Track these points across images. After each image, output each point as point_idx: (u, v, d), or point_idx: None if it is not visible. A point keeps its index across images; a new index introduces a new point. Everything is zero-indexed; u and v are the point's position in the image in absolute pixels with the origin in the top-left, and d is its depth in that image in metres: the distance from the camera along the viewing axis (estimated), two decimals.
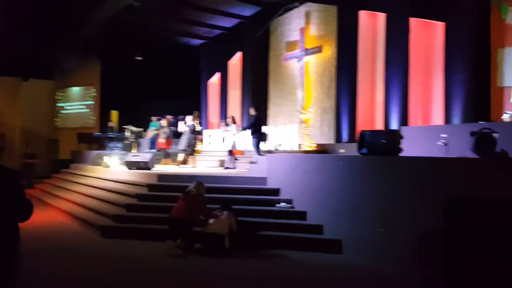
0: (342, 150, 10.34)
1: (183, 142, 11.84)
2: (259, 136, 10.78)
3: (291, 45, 14.17)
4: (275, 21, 14.63)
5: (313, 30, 13.34)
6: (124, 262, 5.97)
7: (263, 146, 11.72)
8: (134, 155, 11.23)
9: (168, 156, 13.22)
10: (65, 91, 19.44)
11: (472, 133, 5.52)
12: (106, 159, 12.03)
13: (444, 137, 7.07)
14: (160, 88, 18.82)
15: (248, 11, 14.75)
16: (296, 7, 13.73)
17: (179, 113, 18.34)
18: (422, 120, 10.10)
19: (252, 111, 10.96)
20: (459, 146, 6.41)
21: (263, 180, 8.53)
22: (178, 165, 12.03)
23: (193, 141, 11.99)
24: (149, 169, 10.40)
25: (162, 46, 17.71)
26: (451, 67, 9.37)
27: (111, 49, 17.07)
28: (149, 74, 18.35)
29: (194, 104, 17.57)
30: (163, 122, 13.33)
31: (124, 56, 17.71)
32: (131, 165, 10.70)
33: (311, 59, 13.33)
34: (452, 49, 9.38)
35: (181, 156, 12.09)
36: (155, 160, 11.51)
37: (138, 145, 15.15)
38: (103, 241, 7.19)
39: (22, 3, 12.91)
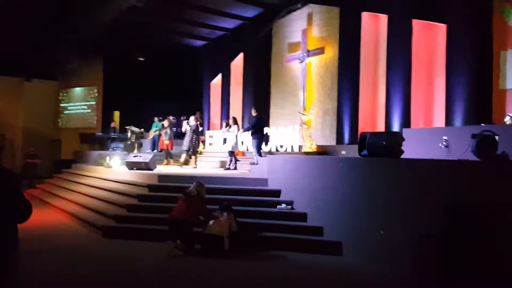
0: (343, 152, 10.33)
1: (186, 143, 11.86)
2: (260, 137, 10.77)
3: (293, 47, 14.18)
4: (277, 23, 14.65)
5: (315, 32, 13.34)
6: (124, 263, 5.97)
7: (264, 147, 11.73)
8: (135, 156, 11.24)
9: (170, 156, 13.23)
10: (67, 92, 19.50)
11: (473, 136, 5.49)
12: (107, 159, 12.04)
13: (445, 140, 7.04)
14: (162, 89, 18.87)
15: (250, 12, 14.78)
16: (299, 8, 13.75)
17: (181, 114, 18.41)
18: (424, 122, 10.08)
19: (253, 112, 10.96)
20: (461, 149, 6.38)
21: (263, 181, 8.51)
22: (180, 165, 12.03)
23: (196, 141, 12.00)
24: (150, 169, 10.40)
25: (164, 47, 17.75)
26: (453, 69, 9.35)
27: (113, 50, 17.12)
28: (151, 75, 18.41)
29: (196, 105, 17.60)
30: (165, 123, 13.34)
31: (126, 57, 17.77)
32: (132, 165, 10.70)
33: (313, 61, 13.34)
34: (454, 51, 9.36)
35: (183, 157, 12.11)
36: (156, 161, 11.51)
37: (140, 145, 15.17)
38: (104, 241, 7.18)
39: (25, 4, 12.96)
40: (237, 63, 16.49)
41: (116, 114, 19.03)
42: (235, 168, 11.28)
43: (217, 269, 5.74)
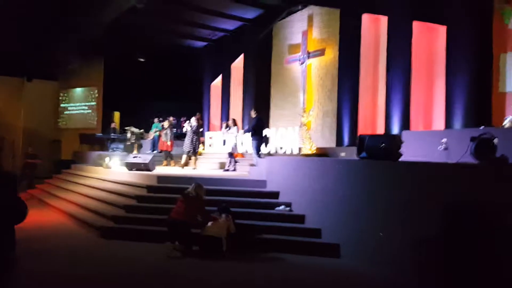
0: (342, 154, 10.32)
1: (187, 144, 11.86)
2: (260, 139, 10.77)
3: (293, 48, 14.18)
4: (278, 24, 14.66)
5: (315, 33, 13.35)
6: (121, 264, 5.96)
7: (263, 148, 11.72)
8: (135, 157, 11.24)
9: (170, 157, 13.22)
10: (68, 92, 19.51)
11: (472, 138, 5.48)
12: (107, 160, 12.05)
13: (444, 142, 7.03)
14: (163, 89, 18.89)
15: (250, 13, 14.78)
16: (299, 10, 13.76)
17: (181, 115, 18.41)
18: (424, 125, 10.07)
19: (253, 113, 10.96)
20: (460, 151, 6.36)
21: (262, 183, 8.51)
22: (182, 167, 12.04)
23: (196, 142, 12.02)
24: (149, 170, 10.39)
25: (164, 48, 17.77)
26: (452, 71, 9.35)
27: (114, 51, 17.13)
28: (152, 75, 18.42)
29: (196, 106, 17.62)
30: (165, 124, 13.34)
31: (127, 58, 17.78)
32: (131, 166, 10.70)
33: (314, 62, 13.34)
34: (454, 53, 9.36)
35: (184, 158, 12.12)
36: (156, 162, 11.50)
37: (140, 146, 15.16)
38: (102, 242, 7.17)
39: (25, 4, 12.97)
40: (238, 64, 16.49)
41: (116, 114, 19.04)
42: (234, 170, 11.28)
43: (215, 270, 5.74)
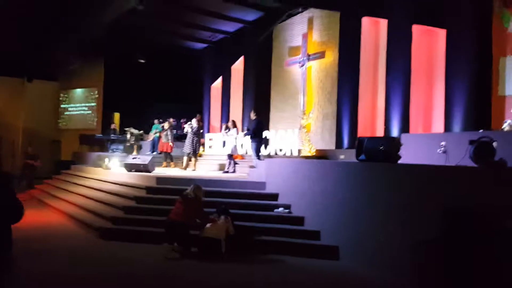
0: (342, 156, 10.33)
1: (187, 145, 11.88)
2: (259, 141, 10.78)
3: (293, 51, 14.20)
4: (278, 27, 14.69)
5: (315, 36, 13.37)
6: (119, 265, 5.95)
7: (263, 150, 11.72)
8: (134, 158, 11.24)
9: (171, 159, 13.23)
10: (68, 93, 19.53)
11: (471, 142, 5.48)
12: (106, 161, 12.05)
13: (443, 145, 7.03)
14: (163, 91, 18.91)
15: (251, 16, 14.81)
16: (299, 12, 13.78)
17: (181, 116, 18.42)
18: (423, 128, 10.07)
19: (253, 115, 10.97)
20: (459, 154, 6.37)
21: (262, 184, 8.51)
22: (184, 168, 12.05)
23: (197, 144, 12.04)
24: (148, 171, 10.39)
25: (165, 50, 17.80)
26: (452, 74, 9.36)
27: (114, 52, 17.15)
28: (152, 77, 18.44)
29: (196, 107, 17.63)
30: (166, 125, 13.34)
31: (127, 59, 17.79)
32: (130, 167, 10.70)
33: (314, 65, 13.36)
34: (453, 57, 9.37)
35: (185, 160, 12.15)
36: (155, 163, 11.50)
37: (139, 147, 15.16)
38: (100, 243, 7.17)
39: (25, 4, 12.99)
40: (238, 66, 16.52)
41: (116, 115, 19.06)
42: (234, 171, 11.28)
43: (214, 272, 5.73)
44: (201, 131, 13.40)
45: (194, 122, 11.99)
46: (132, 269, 5.73)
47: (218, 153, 13.78)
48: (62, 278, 5.28)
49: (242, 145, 12.86)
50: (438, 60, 9.91)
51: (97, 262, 6.05)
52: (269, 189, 8.33)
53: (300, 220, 7.23)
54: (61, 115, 19.57)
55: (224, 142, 13.09)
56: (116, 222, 7.69)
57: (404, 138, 8.43)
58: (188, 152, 11.93)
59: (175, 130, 14.76)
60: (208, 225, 6.47)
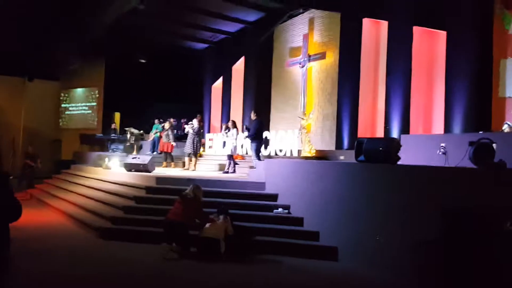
0: (341, 157, 10.32)
1: (189, 145, 11.91)
2: (259, 141, 10.78)
3: (294, 51, 14.20)
4: (279, 27, 14.69)
5: (316, 37, 13.37)
6: (118, 265, 5.95)
7: (263, 151, 11.72)
8: (134, 157, 11.24)
9: (171, 159, 13.23)
10: (69, 92, 19.54)
11: (471, 143, 5.48)
12: (106, 160, 12.06)
13: (443, 146, 7.03)
14: (163, 91, 18.92)
15: (252, 16, 14.81)
16: (300, 13, 13.77)
17: (181, 116, 18.44)
18: (423, 129, 10.08)
19: (253, 116, 10.97)
20: (459, 156, 6.37)
21: (261, 185, 8.51)
22: (188, 169, 12.06)
23: (197, 144, 12.06)
24: (148, 171, 10.40)
25: (166, 50, 17.80)
26: (452, 76, 9.37)
27: (115, 52, 17.16)
28: (153, 76, 18.44)
29: (197, 107, 17.63)
30: (166, 125, 13.34)
31: (128, 59, 17.80)
32: (130, 167, 10.70)
33: (314, 66, 13.35)
34: (454, 58, 9.38)
35: (187, 160, 12.18)
36: (155, 163, 11.51)
37: (140, 147, 15.16)
38: (100, 242, 7.17)
39: (27, 4, 13.01)
40: (239, 67, 16.52)
41: (117, 115, 19.07)
42: (234, 172, 11.28)
43: (213, 272, 5.73)
44: (201, 131, 13.42)
45: (195, 122, 12.01)
46: (131, 269, 5.73)
47: (218, 154, 13.79)
48: (61, 278, 5.28)
49: (242, 145, 12.86)
50: (438, 62, 9.92)
51: (96, 262, 6.05)
52: (268, 190, 8.34)
53: (299, 221, 7.23)
54: (61, 115, 19.59)
55: (224, 143, 13.09)
56: (115, 222, 7.69)
57: (404, 139, 8.43)
58: (189, 152, 11.96)
59: (175, 130, 14.77)
60: (207, 225, 6.47)
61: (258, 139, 10.68)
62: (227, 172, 11.27)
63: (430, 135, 9.42)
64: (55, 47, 15.67)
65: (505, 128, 7.63)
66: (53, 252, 6.47)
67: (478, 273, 4.62)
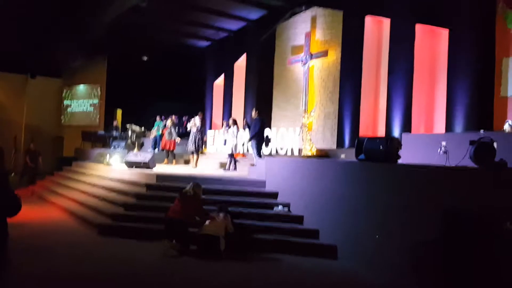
0: (343, 156, 10.31)
1: (192, 143, 11.91)
2: (261, 140, 10.77)
3: (296, 49, 14.17)
4: (281, 25, 14.65)
5: (318, 35, 13.33)
6: (118, 261, 5.96)
7: (264, 149, 11.71)
8: (135, 155, 11.26)
9: (173, 156, 13.24)
10: (71, 89, 19.59)
11: (471, 142, 5.46)
12: (107, 157, 12.08)
13: (444, 145, 7.00)
14: (165, 88, 18.93)
15: (254, 14, 14.79)
16: (302, 11, 13.73)
17: (183, 114, 18.44)
18: (425, 128, 10.04)
19: (254, 114, 10.95)
20: (459, 155, 6.35)
21: (262, 183, 8.51)
22: (193, 167, 12.07)
23: (200, 141, 12.07)
24: (149, 168, 10.41)
25: (168, 47, 17.81)
26: (454, 74, 9.31)
27: (117, 49, 17.18)
28: (155, 74, 18.46)
29: (198, 105, 17.64)
30: (168, 122, 13.35)
31: (130, 56, 17.83)
32: (131, 164, 10.72)
33: (316, 64, 13.32)
34: (456, 57, 9.33)
35: (192, 157, 12.20)
36: (156, 160, 11.52)
37: (141, 144, 15.18)
38: (100, 239, 7.19)
39: (28, 5, 13.02)
40: (240, 64, 16.50)
41: (119, 112, 19.10)
42: (235, 169, 11.28)
43: (212, 270, 5.74)
44: (203, 128, 13.42)
45: (197, 119, 12.01)
46: (131, 266, 5.74)
47: (219, 151, 13.79)
48: (61, 275, 5.29)
49: (243, 143, 12.85)
50: (440, 60, 9.87)
51: (96, 259, 6.06)
52: (269, 188, 8.33)
53: (299, 219, 7.22)
54: (64, 112, 19.64)
55: (225, 140, 13.10)
56: (116, 219, 7.71)
57: (405, 138, 8.41)
58: (192, 149, 11.98)
59: (177, 128, 14.77)
60: (207, 222, 6.47)
61: (259, 137, 10.67)
62: (228, 170, 11.27)
63: (431, 134, 9.39)
64: (55, 47, 15.71)
65: (506, 127, 7.59)
66: (54, 249, 6.49)
67: (478, 273, 4.60)
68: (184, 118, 18.34)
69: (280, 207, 7.55)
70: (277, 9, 13.81)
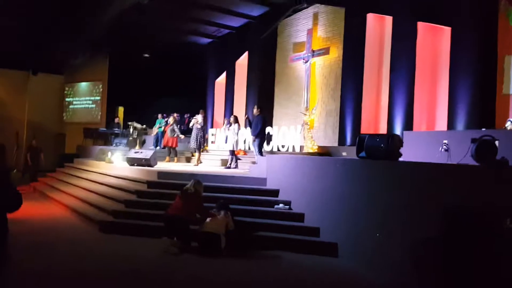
0: (344, 153, 10.30)
1: (194, 140, 11.94)
2: (262, 137, 10.77)
3: (298, 46, 14.15)
4: (283, 22, 14.62)
5: (320, 32, 13.30)
6: (119, 258, 5.97)
7: (265, 146, 11.71)
8: (136, 152, 11.27)
9: (175, 154, 13.25)
10: (73, 86, 19.60)
11: (473, 140, 5.44)
12: (109, 155, 12.10)
13: (445, 143, 6.98)
14: (167, 85, 18.94)
15: (256, 11, 14.77)
16: (304, 8, 13.70)
17: (185, 111, 18.45)
18: (427, 125, 10.02)
19: (256, 111, 10.94)
20: (461, 153, 6.34)
21: (263, 180, 8.50)
22: (197, 165, 12.09)
23: (201, 139, 12.09)
24: (150, 166, 10.42)
25: (169, 44, 17.79)
26: (456, 72, 9.28)
27: (119, 46, 17.17)
28: (156, 71, 18.46)
29: (200, 102, 17.63)
30: (170, 120, 13.35)
31: (132, 53, 17.82)
32: (132, 161, 10.73)
33: (318, 61, 13.30)
34: (458, 55, 9.29)
35: (197, 155, 12.23)
36: (158, 157, 11.53)
37: (143, 141, 15.19)
38: (101, 236, 7.21)
39: (28, 5, 13.02)
40: (242, 62, 16.48)
41: (121, 109, 19.12)
42: (236, 167, 11.28)
43: (213, 267, 5.74)
44: (205, 126, 13.43)
45: (199, 117, 12.02)
46: (132, 263, 5.74)
47: (220, 149, 13.79)
48: (62, 271, 5.31)
49: (244, 140, 12.85)
50: (442, 58, 9.83)
51: (97, 256, 6.08)
52: (270, 185, 8.33)
53: (300, 217, 7.22)
54: (65, 109, 19.66)
55: (226, 138, 13.09)
56: (117, 216, 7.73)
57: (406, 135, 8.39)
58: (195, 147, 12.02)
59: (179, 125, 14.78)
60: (208, 219, 6.48)
61: (260, 135, 10.67)
62: (229, 168, 11.28)
63: (432, 132, 9.36)
64: (56, 46, 15.69)
65: (508, 125, 7.57)
66: (55, 245, 6.51)
67: (479, 272, 4.59)
68: (185, 116, 18.35)
69: (281, 205, 7.55)
70: (279, 6, 13.77)
